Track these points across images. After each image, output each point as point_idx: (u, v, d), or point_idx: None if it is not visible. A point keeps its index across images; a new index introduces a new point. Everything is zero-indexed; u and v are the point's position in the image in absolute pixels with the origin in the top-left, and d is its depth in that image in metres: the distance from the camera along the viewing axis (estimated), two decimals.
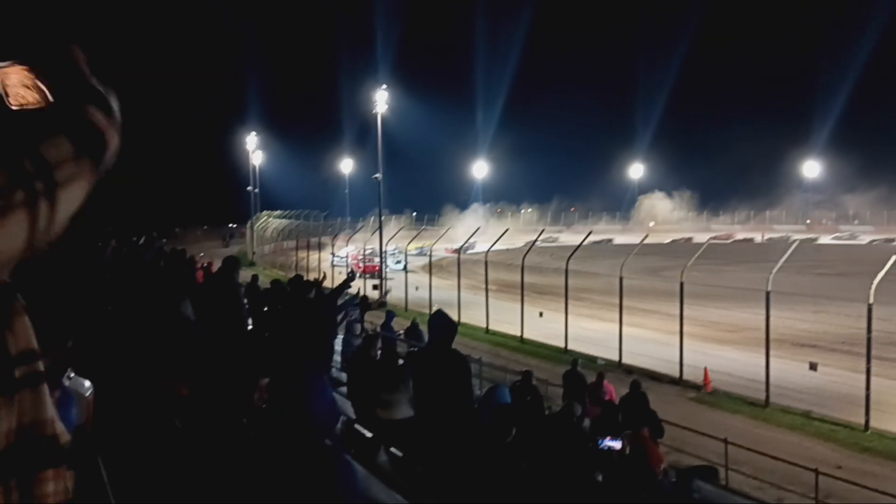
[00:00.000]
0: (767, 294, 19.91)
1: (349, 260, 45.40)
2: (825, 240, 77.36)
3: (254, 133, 78.46)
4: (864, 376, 17.25)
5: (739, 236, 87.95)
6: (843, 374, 20.36)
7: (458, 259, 35.74)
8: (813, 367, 22.22)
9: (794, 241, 22.62)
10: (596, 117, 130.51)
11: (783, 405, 18.44)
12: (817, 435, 16.44)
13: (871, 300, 17.39)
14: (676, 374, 21.27)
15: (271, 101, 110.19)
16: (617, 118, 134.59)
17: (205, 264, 20.38)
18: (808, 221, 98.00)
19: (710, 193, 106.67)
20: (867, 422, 16.59)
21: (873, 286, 17.45)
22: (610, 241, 79.29)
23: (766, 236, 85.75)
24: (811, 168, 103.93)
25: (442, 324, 5.45)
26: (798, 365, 22.22)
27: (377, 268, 41.70)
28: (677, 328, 22.37)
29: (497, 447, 4.50)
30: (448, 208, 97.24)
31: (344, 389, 9.07)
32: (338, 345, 11.24)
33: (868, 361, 17.28)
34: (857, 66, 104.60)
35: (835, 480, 11.84)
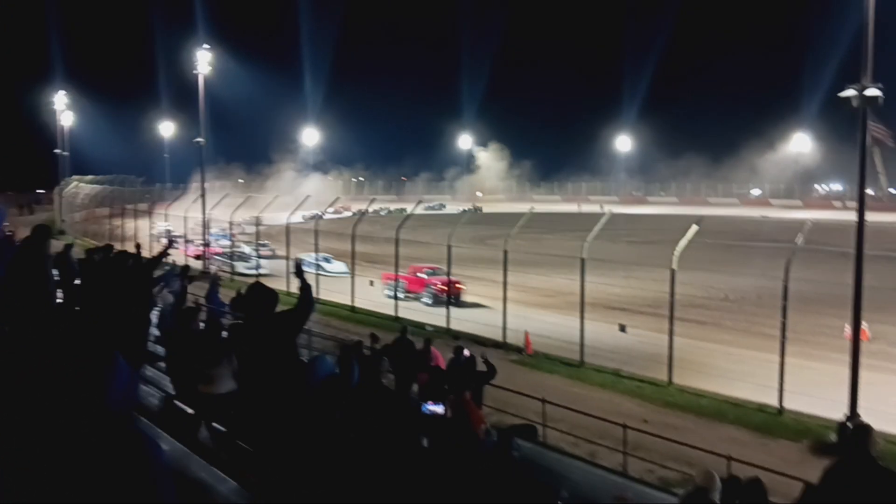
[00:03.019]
0: (583, 261, 21.10)
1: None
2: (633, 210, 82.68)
3: (62, 92, 72.54)
4: (667, 336, 18.75)
5: (558, 208, 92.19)
6: (648, 335, 22.04)
7: (287, 228, 35.13)
8: (622, 328, 23.97)
9: (609, 211, 24.15)
10: (425, 86, 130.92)
11: (596, 365, 19.65)
12: (626, 392, 17.70)
13: (675, 266, 18.86)
14: (500, 338, 22.13)
15: (81, 58, 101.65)
16: (444, 88, 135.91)
17: (8, 233, 18.71)
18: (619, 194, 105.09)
19: (537, 166, 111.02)
20: (670, 378, 18.05)
21: (676, 253, 18.92)
22: (443, 205, 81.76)
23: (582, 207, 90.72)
24: (623, 143, 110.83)
25: (260, 295, 5.32)
26: (609, 327, 23.85)
27: (459, 286, 28.08)
28: (502, 294, 23.23)
29: (323, 419, 4.50)
30: (277, 174, 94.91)
31: (162, 364, 8.70)
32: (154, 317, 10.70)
33: (671, 322, 18.77)
34: (665, 41, 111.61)
35: (642, 434, 12.82)
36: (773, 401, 16.11)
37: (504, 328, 22.48)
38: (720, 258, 29.87)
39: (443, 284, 27.13)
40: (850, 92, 14.19)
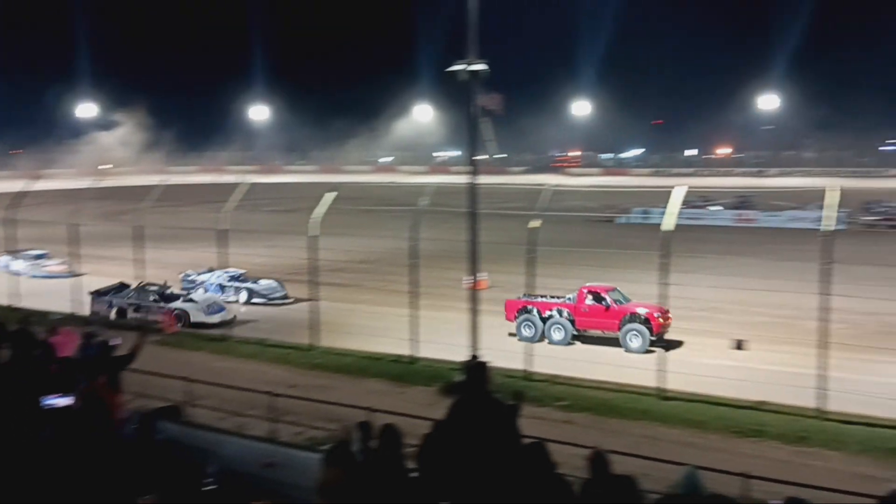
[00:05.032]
0: (224, 232, 20.70)
1: None
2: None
3: None
4: (311, 301, 19.29)
5: (194, 179, 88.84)
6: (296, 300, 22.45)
7: None
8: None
9: (247, 181, 23.74)
10: (33, 48, 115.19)
11: (242, 336, 19.57)
12: (273, 359, 17.91)
13: (315, 232, 19.32)
14: None
15: None
16: (60, 48, 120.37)
17: None
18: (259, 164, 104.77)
19: (174, 137, 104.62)
20: (314, 342, 18.62)
21: (314, 220, 19.38)
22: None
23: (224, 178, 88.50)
24: (259, 112, 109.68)
25: None
26: None
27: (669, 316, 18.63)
28: (139, 273, 21.95)
29: None
30: None
31: None
32: None
33: (312, 288, 19.34)
34: (286, 13, 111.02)
35: (291, 399, 13.02)
36: (408, 351, 17.45)
37: None
38: (357, 223, 31.38)
39: (661, 315, 18.23)
40: (457, 67, 15.65)
